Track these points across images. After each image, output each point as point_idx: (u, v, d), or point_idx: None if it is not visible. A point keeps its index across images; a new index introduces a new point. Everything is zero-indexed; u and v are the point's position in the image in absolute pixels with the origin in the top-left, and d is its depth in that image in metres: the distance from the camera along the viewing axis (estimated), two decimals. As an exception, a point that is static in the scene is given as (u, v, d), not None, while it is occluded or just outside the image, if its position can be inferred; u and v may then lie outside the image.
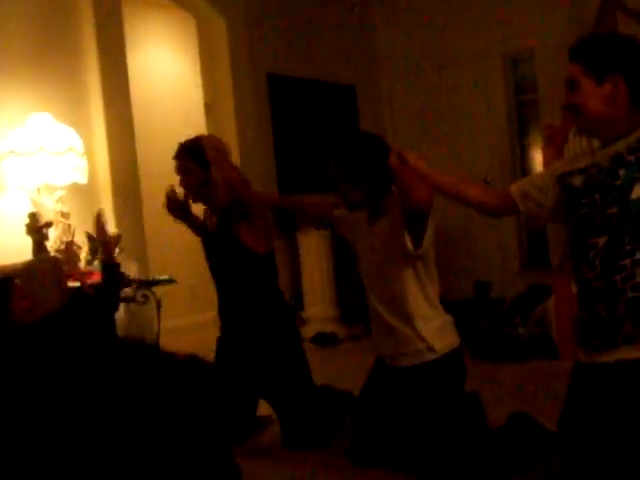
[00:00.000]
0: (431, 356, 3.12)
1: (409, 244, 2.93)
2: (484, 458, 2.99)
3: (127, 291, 4.67)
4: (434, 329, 3.13)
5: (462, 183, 2.75)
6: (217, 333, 3.82)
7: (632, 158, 2.38)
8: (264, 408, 3.77)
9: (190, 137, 3.74)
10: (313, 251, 6.42)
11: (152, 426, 0.84)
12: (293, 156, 6.98)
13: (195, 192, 3.67)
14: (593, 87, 2.43)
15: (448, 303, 3.32)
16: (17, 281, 3.23)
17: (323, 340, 6.21)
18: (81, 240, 4.77)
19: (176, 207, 3.75)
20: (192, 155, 3.63)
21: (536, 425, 3.23)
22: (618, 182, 2.38)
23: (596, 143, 2.60)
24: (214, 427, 0.92)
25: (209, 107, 6.94)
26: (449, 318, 3.24)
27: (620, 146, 2.42)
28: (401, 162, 2.69)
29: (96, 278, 4.56)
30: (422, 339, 3.11)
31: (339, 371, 5.09)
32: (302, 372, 3.67)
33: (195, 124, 6.85)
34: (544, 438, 3.14)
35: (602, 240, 2.40)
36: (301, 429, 3.56)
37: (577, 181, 2.50)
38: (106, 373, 0.89)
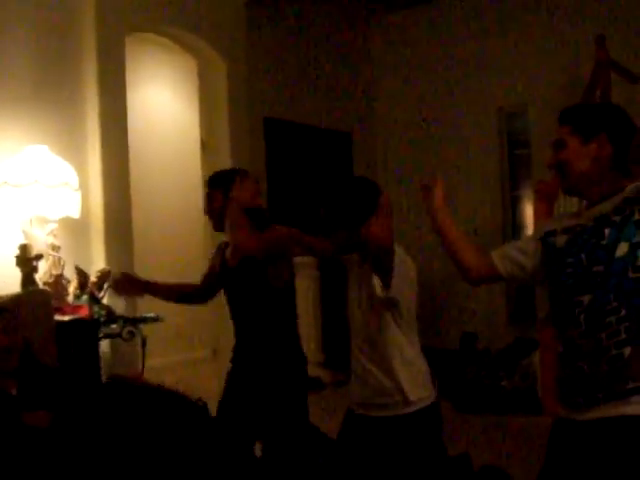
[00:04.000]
0: (406, 409, 3.08)
1: (377, 287, 2.90)
2: None
3: (113, 327, 4.67)
4: (414, 381, 3.09)
5: (463, 243, 2.75)
6: (210, 370, 3.78)
7: (618, 218, 2.42)
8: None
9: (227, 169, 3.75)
10: (301, 294, 6.37)
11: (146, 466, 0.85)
12: (286, 200, 7.02)
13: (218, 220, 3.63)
14: (579, 146, 2.48)
15: (434, 352, 3.31)
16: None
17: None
18: (71, 274, 4.78)
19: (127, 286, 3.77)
20: (218, 185, 3.62)
21: (506, 477, 3.21)
22: (603, 241, 2.42)
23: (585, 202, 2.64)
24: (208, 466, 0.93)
25: (205, 147, 6.99)
26: (428, 370, 3.21)
27: (606, 207, 2.46)
28: (427, 189, 2.72)
29: (84, 313, 4.56)
30: (399, 391, 3.06)
31: (321, 416, 5.07)
32: (301, 419, 3.64)
33: (190, 164, 6.90)
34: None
35: (587, 298, 2.42)
36: (285, 474, 3.54)
37: (561, 241, 2.54)
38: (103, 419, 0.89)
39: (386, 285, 2.85)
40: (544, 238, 2.60)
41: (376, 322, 3.04)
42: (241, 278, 3.60)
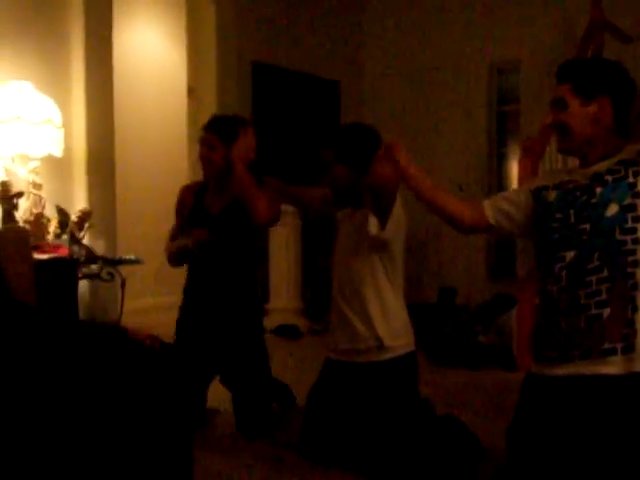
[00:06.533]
0: (384, 355, 3.14)
1: (373, 226, 2.95)
2: (425, 461, 3.02)
3: (93, 268, 4.66)
4: (391, 328, 3.14)
5: (443, 194, 2.75)
6: (177, 315, 3.78)
7: (610, 178, 2.43)
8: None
9: (228, 115, 3.68)
10: (282, 243, 6.43)
11: (117, 411, 0.84)
12: (271, 145, 6.97)
13: (216, 170, 3.58)
14: (580, 107, 2.47)
15: (412, 306, 3.34)
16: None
17: (285, 332, 6.23)
18: (51, 213, 4.75)
19: None
20: (221, 132, 3.55)
21: (463, 429, 3.27)
22: (594, 200, 2.43)
23: (573, 162, 2.65)
24: (175, 412, 0.92)
25: (191, 91, 6.92)
26: (408, 319, 3.26)
27: (601, 166, 2.47)
28: (389, 157, 2.70)
29: (63, 252, 4.54)
30: (376, 337, 3.12)
31: (297, 364, 5.12)
32: (261, 361, 3.68)
33: (176, 106, 6.83)
34: (470, 442, 3.20)
35: (570, 254, 2.45)
36: (253, 417, 3.58)
37: (552, 196, 2.55)
38: (74, 360, 0.89)
39: (382, 226, 2.92)
40: (536, 192, 2.61)
41: (362, 265, 3.11)
42: (224, 226, 3.59)
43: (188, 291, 3.76)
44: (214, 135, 3.56)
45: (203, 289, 3.69)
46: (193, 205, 3.70)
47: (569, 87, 2.48)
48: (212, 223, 3.61)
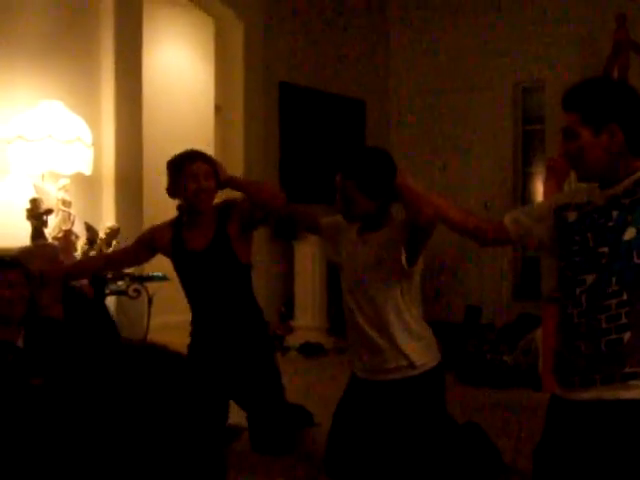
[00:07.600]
0: (412, 372, 3.16)
1: (404, 260, 2.98)
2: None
3: (120, 284, 4.70)
4: (416, 346, 3.17)
5: (459, 211, 2.79)
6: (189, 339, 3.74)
7: (627, 201, 2.40)
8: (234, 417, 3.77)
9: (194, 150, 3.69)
10: (308, 261, 6.46)
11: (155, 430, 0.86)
12: (297, 165, 7.02)
13: (212, 200, 3.58)
14: (591, 137, 2.42)
15: (437, 324, 3.35)
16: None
17: (309, 350, 6.24)
18: (80, 230, 4.81)
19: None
20: (209, 161, 3.59)
21: (485, 438, 3.28)
22: (611, 223, 2.41)
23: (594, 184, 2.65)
24: (208, 427, 0.95)
25: (219, 109, 6.99)
26: (432, 335, 3.28)
27: (618, 189, 2.44)
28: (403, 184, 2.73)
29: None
30: (404, 356, 3.14)
31: (321, 381, 5.12)
32: (275, 381, 3.69)
33: (203, 125, 6.89)
34: (491, 453, 3.21)
35: (590, 278, 2.42)
36: (270, 434, 3.59)
37: (572, 217, 2.53)
38: (111, 379, 0.91)
39: (413, 261, 2.96)
40: (557, 211, 2.59)
41: (382, 288, 3.12)
42: (213, 261, 3.58)
43: (195, 325, 3.74)
44: (207, 164, 3.56)
45: (209, 325, 3.68)
46: (172, 244, 3.66)
47: (577, 117, 2.43)
48: (199, 260, 3.60)
